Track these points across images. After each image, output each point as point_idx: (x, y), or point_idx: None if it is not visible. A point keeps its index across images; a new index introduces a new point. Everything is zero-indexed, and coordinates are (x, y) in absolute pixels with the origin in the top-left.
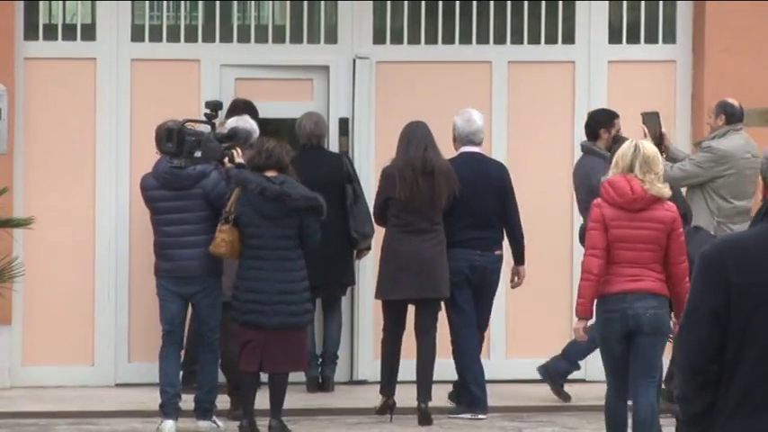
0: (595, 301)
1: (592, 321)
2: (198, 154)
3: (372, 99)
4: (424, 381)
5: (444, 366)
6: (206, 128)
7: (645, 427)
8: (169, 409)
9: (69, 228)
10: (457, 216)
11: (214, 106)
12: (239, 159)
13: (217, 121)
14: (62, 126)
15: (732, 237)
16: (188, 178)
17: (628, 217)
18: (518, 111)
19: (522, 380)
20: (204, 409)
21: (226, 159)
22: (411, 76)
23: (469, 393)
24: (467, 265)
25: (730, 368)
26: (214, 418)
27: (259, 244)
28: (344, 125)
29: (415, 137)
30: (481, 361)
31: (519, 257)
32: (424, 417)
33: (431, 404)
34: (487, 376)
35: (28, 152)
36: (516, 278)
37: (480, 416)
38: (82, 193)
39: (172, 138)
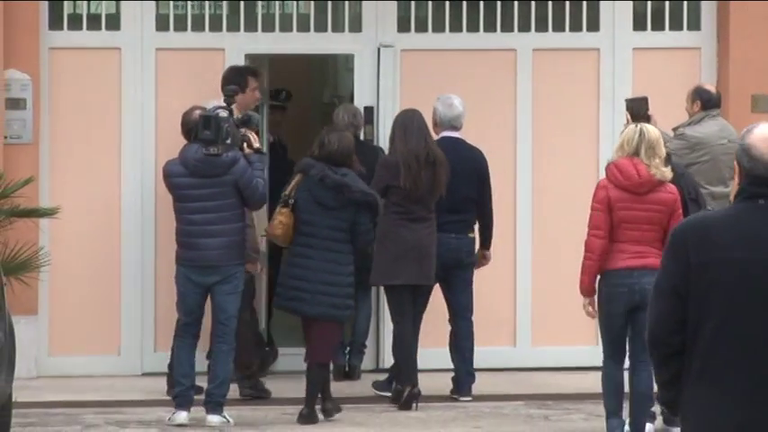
0: (597, 278)
1: None
2: (228, 141)
3: (397, 87)
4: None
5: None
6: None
7: (644, 400)
8: (183, 400)
9: (95, 217)
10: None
11: (232, 92)
12: (257, 144)
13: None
14: (87, 116)
15: (698, 217)
16: (221, 165)
17: (633, 199)
18: (543, 98)
19: (548, 368)
20: (215, 403)
21: (244, 145)
22: (436, 65)
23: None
24: (442, 250)
25: (691, 339)
26: (224, 412)
27: (310, 231)
28: (369, 114)
29: (413, 126)
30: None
31: (487, 241)
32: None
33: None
34: (513, 364)
35: (53, 142)
36: (483, 261)
37: (463, 398)
38: (107, 182)
39: (209, 125)
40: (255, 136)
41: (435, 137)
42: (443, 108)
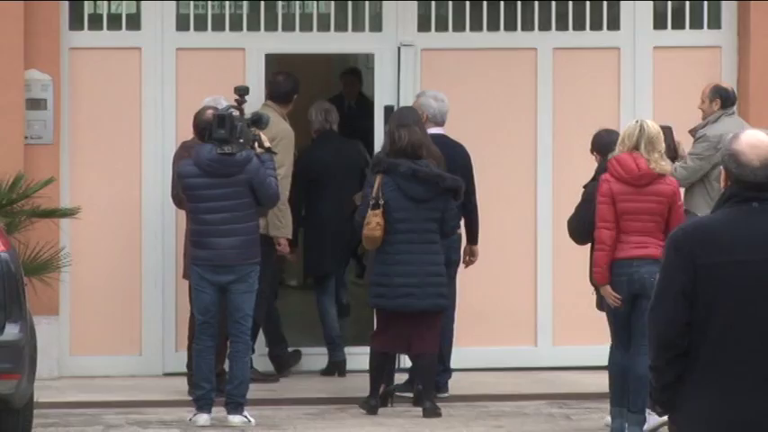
0: None
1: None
2: (241, 140)
3: (417, 87)
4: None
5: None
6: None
7: (642, 383)
8: (204, 403)
9: (115, 217)
10: None
11: (243, 92)
12: (267, 144)
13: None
14: (108, 116)
15: (698, 221)
16: (235, 164)
17: (634, 191)
18: (563, 97)
19: (569, 367)
20: (236, 404)
21: (255, 144)
22: (456, 64)
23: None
24: None
25: (696, 341)
26: (245, 412)
27: (408, 228)
28: (389, 113)
29: (407, 123)
30: None
31: (474, 237)
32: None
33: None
34: (534, 364)
35: (74, 142)
36: (469, 257)
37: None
38: (128, 182)
39: (224, 124)
40: (264, 136)
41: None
42: (436, 103)
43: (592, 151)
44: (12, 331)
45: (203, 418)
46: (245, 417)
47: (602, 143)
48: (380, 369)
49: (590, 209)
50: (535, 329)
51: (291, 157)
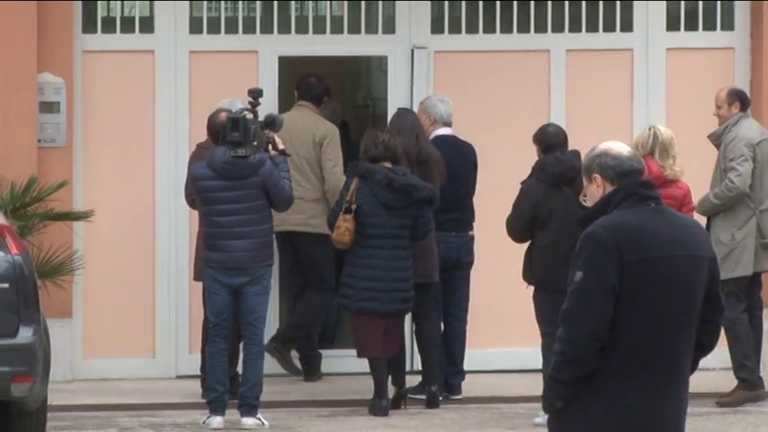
0: None
1: None
2: (255, 143)
3: (431, 89)
4: (431, 365)
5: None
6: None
7: None
8: (217, 405)
9: (129, 220)
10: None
11: (257, 94)
12: (281, 146)
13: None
14: (121, 119)
15: (616, 219)
16: (249, 167)
17: None
18: (576, 99)
19: None
20: (250, 406)
21: (269, 146)
22: (469, 66)
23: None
24: (443, 248)
25: (616, 334)
26: (259, 414)
27: (379, 233)
28: None
29: (405, 125)
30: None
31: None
32: (432, 399)
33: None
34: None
35: (87, 145)
36: None
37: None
38: (141, 185)
39: (238, 127)
40: (279, 138)
41: (431, 135)
42: (442, 105)
43: (534, 142)
44: (25, 334)
45: (217, 421)
46: (259, 419)
47: (549, 141)
48: (381, 371)
49: (528, 206)
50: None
51: (341, 154)
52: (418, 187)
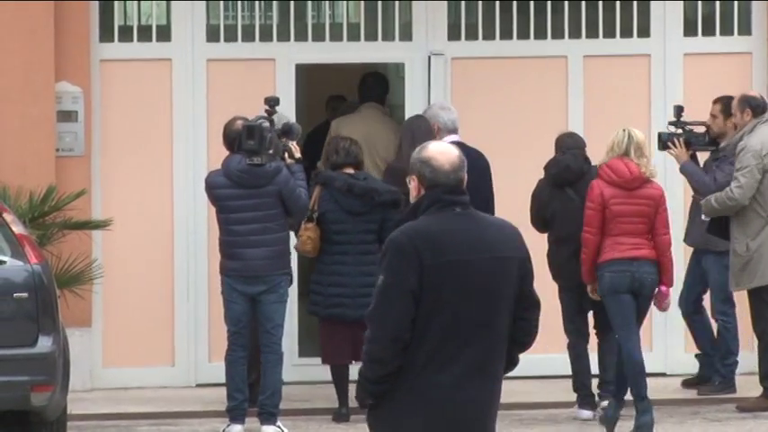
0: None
1: None
2: (271, 151)
3: (448, 95)
4: None
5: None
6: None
7: (638, 368)
8: (237, 414)
9: (147, 229)
10: None
11: (273, 102)
12: (298, 154)
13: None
14: (138, 127)
15: (417, 225)
16: (265, 176)
17: (625, 195)
18: (594, 105)
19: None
20: (269, 414)
21: (286, 155)
22: (486, 72)
23: None
24: None
25: (420, 334)
26: (278, 422)
27: (344, 240)
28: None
29: (420, 132)
30: None
31: None
32: None
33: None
34: (566, 371)
35: (105, 154)
36: None
37: None
38: (159, 194)
39: (254, 135)
40: (296, 146)
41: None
42: (444, 113)
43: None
44: (45, 344)
45: (236, 429)
46: (279, 427)
47: (561, 144)
48: (340, 378)
49: (535, 206)
50: (566, 337)
51: None
52: (380, 191)
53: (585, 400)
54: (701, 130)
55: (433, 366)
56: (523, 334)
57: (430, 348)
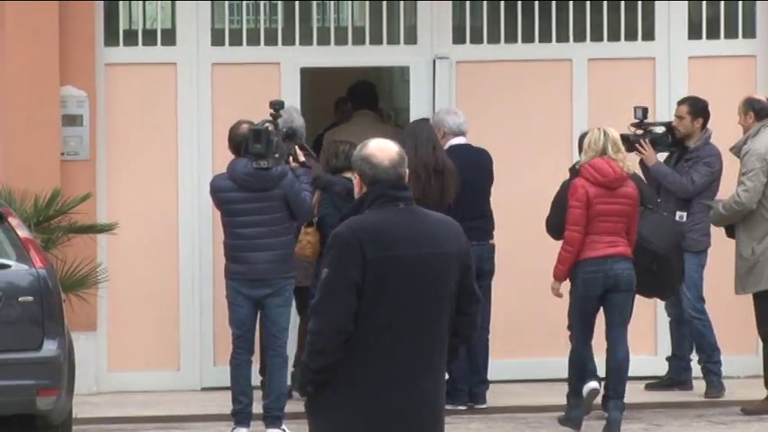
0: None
1: None
2: (276, 155)
3: (452, 99)
4: None
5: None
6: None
7: (621, 370)
8: (242, 417)
9: (152, 233)
10: (453, 208)
11: (278, 106)
12: (302, 158)
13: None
14: (144, 131)
15: (361, 220)
16: (271, 179)
17: (607, 194)
18: (599, 108)
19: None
20: (274, 417)
21: (290, 158)
22: (491, 76)
23: (453, 385)
24: None
25: (362, 326)
26: (284, 426)
27: None
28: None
29: (422, 135)
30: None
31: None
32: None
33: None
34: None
35: (110, 158)
36: None
37: (460, 407)
38: (164, 197)
39: (260, 139)
40: (300, 149)
41: (445, 146)
42: (449, 117)
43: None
44: (50, 347)
45: None
46: (284, 430)
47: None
48: None
49: (559, 203)
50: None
51: None
52: None
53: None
54: (661, 130)
55: (374, 359)
56: (466, 327)
57: (372, 340)
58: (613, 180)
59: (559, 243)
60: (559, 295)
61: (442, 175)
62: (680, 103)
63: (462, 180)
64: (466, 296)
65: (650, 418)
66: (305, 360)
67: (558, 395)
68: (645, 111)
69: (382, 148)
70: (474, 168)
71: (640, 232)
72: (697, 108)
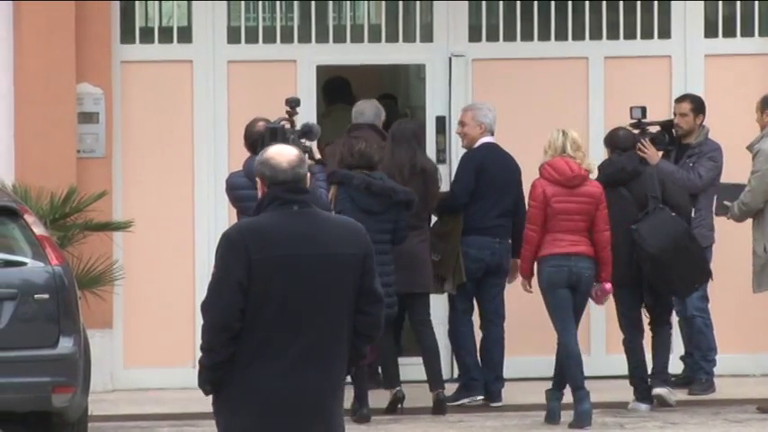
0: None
1: None
2: None
3: (469, 97)
4: (436, 370)
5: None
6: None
7: (575, 359)
8: None
9: (168, 230)
10: (484, 202)
11: (294, 103)
12: (318, 155)
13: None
14: (159, 129)
15: (251, 221)
16: None
17: (566, 192)
18: (615, 106)
19: (623, 375)
20: None
21: (306, 156)
22: (507, 74)
23: (468, 376)
24: (488, 254)
25: (251, 325)
26: None
27: None
28: (441, 123)
29: (402, 137)
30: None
31: (519, 250)
32: (440, 405)
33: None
34: (588, 372)
35: (126, 156)
36: (515, 272)
37: (478, 397)
38: (180, 195)
39: (276, 137)
40: (316, 147)
41: (476, 143)
42: (491, 113)
43: (605, 145)
44: (66, 345)
45: None
46: None
47: (617, 144)
48: (360, 379)
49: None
50: (588, 338)
51: None
52: (396, 190)
53: (643, 394)
54: (655, 129)
55: (261, 357)
56: (368, 327)
57: (259, 339)
58: (571, 178)
59: None
60: (529, 291)
61: (422, 176)
62: (679, 100)
63: (496, 177)
64: (365, 296)
65: (666, 416)
66: (200, 358)
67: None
68: (643, 110)
69: (281, 152)
70: (503, 168)
71: (640, 231)
72: (698, 104)
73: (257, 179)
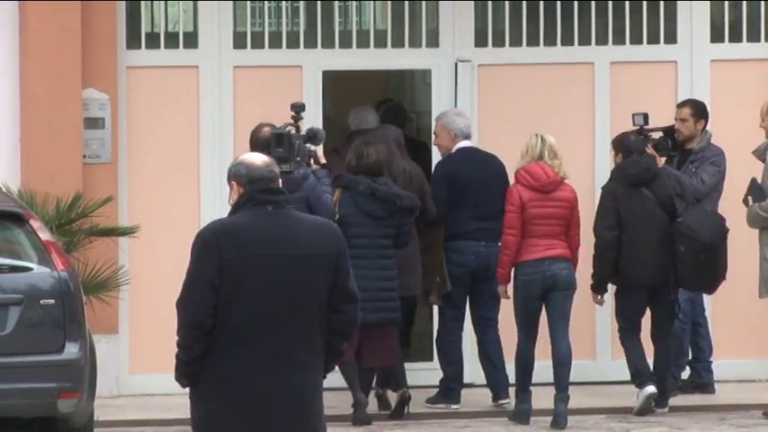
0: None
1: None
2: (298, 158)
3: (475, 102)
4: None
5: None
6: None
7: (565, 362)
8: None
9: (174, 236)
10: (462, 208)
11: (299, 109)
12: (323, 160)
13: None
14: (165, 134)
15: (224, 221)
16: (293, 182)
17: (542, 197)
18: (621, 111)
19: (628, 381)
20: None
21: (311, 161)
22: (513, 79)
23: (447, 384)
24: (472, 258)
25: (222, 322)
26: None
27: (363, 243)
28: None
29: (386, 142)
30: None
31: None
32: (401, 405)
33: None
34: (593, 378)
35: (132, 161)
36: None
37: (453, 405)
38: (186, 200)
39: (282, 142)
40: (321, 152)
41: (452, 149)
42: (459, 119)
43: (615, 148)
44: (71, 350)
45: None
46: None
47: (630, 148)
48: (353, 378)
49: (611, 206)
50: (594, 343)
51: None
52: (401, 196)
53: (645, 382)
54: (658, 135)
55: (237, 352)
56: (343, 325)
57: (234, 335)
58: (546, 184)
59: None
60: (506, 297)
61: (400, 181)
62: (680, 105)
63: (472, 182)
64: (340, 295)
65: (672, 421)
66: (177, 353)
67: (578, 399)
68: (645, 117)
69: (253, 154)
70: (485, 170)
71: (688, 224)
72: (699, 110)
73: (232, 183)
